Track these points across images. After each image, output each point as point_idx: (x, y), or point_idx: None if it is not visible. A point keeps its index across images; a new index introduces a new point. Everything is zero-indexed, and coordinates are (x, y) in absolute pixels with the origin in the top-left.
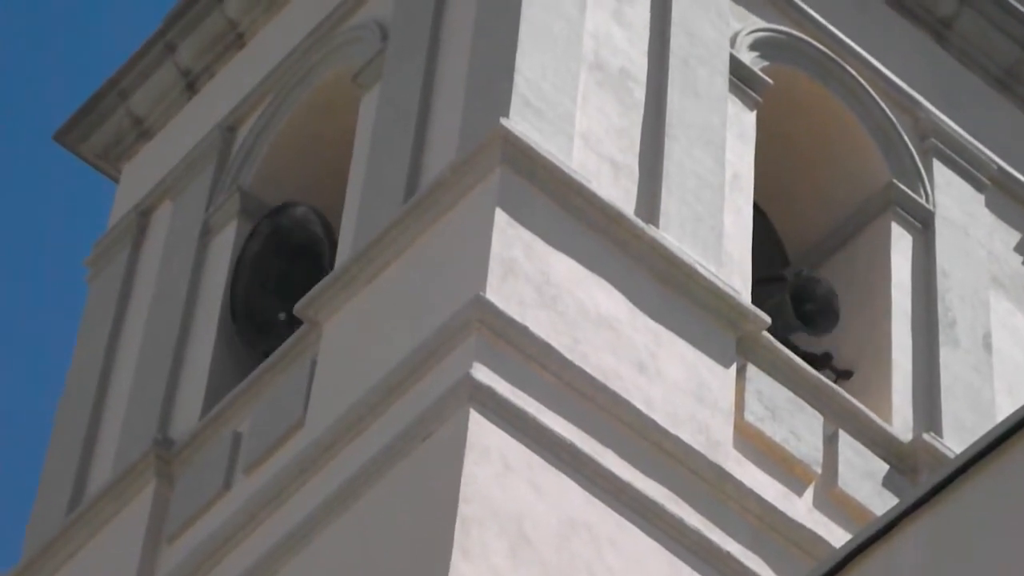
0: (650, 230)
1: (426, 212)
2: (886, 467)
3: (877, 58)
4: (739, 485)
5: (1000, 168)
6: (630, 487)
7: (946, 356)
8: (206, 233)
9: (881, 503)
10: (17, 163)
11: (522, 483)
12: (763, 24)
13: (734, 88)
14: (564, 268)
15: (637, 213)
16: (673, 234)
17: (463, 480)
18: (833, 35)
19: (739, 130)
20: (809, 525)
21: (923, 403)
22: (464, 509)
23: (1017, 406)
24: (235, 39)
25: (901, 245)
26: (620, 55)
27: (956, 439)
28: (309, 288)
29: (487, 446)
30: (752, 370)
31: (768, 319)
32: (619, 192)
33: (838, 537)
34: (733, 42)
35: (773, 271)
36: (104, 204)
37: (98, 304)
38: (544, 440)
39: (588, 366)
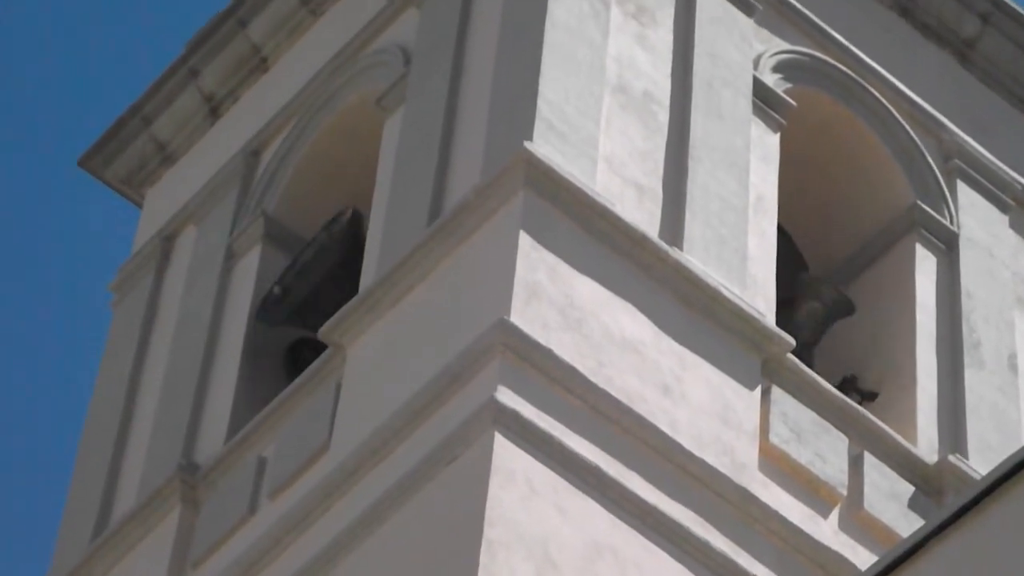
0: (674, 253)
1: (450, 235)
2: (912, 489)
3: (900, 79)
4: (764, 507)
5: None
6: (655, 510)
7: (971, 377)
8: (230, 257)
9: (907, 525)
10: (42, 189)
11: (547, 506)
12: (786, 46)
13: (758, 110)
14: (588, 291)
15: (661, 236)
16: (697, 257)
17: (488, 504)
18: (856, 57)
19: (763, 152)
20: (835, 547)
21: (948, 424)
22: (489, 533)
23: None
24: (258, 63)
25: (925, 266)
26: (643, 78)
27: (982, 460)
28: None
29: (512, 469)
30: (777, 392)
31: (793, 341)
32: (643, 215)
33: (864, 559)
34: (756, 64)
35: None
36: (128, 229)
37: (122, 329)
38: (569, 463)
39: (613, 389)
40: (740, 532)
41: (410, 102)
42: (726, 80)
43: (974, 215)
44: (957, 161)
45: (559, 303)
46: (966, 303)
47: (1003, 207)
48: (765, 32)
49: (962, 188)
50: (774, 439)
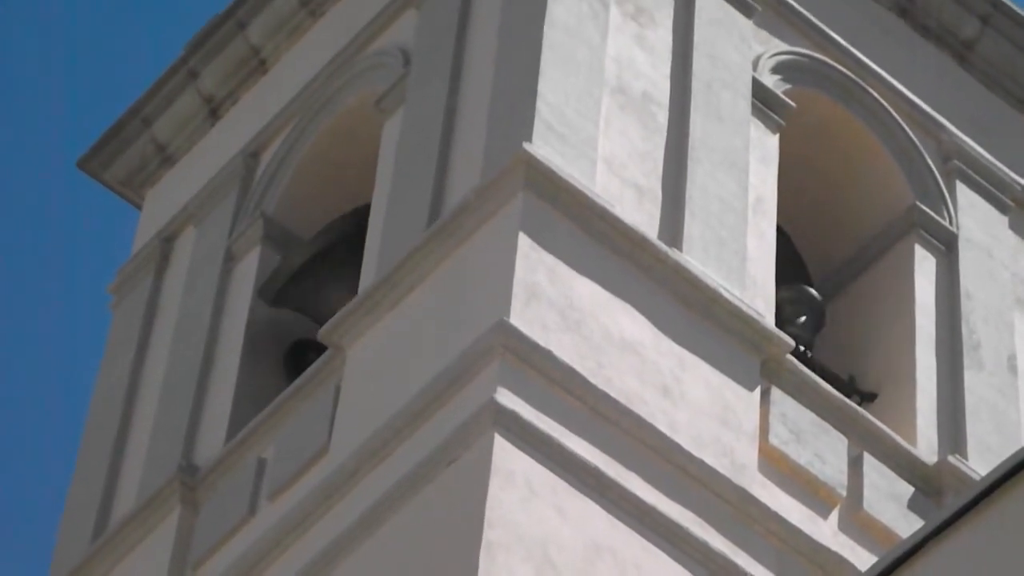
0: (673, 254)
1: (449, 237)
2: (911, 489)
3: (900, 80)
4: (764, 508)
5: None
6: (655, 511)
7: (970, 378)
8: (229, 259)
9: (906, 525)
10: (41, 190)
11: (547, 507)
12: (785, 47)
13: (757, 111)
14: (588, 292)
15: (660, 237)
16: (696, 258)
17: (488, 505)
18: (855, 58)
19: (762, 153)
20: (834, 548)
21: (948, 425)
22: (489, 534)
23: None
24: (258, 65)
25: (925, 267)
26: (643, 79)
27: (981, 461)
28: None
29: (512, 471)
30: (776, 393)
31: (792, 342)
32: (642, 216)
33: (863, 560)
34: (756, 65)
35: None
36: (127, 231)
37: (122, 331)
38: (569, 464)
39: (612, 390)
40: (739, 533)
41: (409, 103)
42: (725, 81)
43: (973, 216)
44: (956, 162)
45: (559, 304)
46: (965, 304)
47: (1002, 208)
48: (764, 33)
49: (961, 189)
50: (773, 440)
